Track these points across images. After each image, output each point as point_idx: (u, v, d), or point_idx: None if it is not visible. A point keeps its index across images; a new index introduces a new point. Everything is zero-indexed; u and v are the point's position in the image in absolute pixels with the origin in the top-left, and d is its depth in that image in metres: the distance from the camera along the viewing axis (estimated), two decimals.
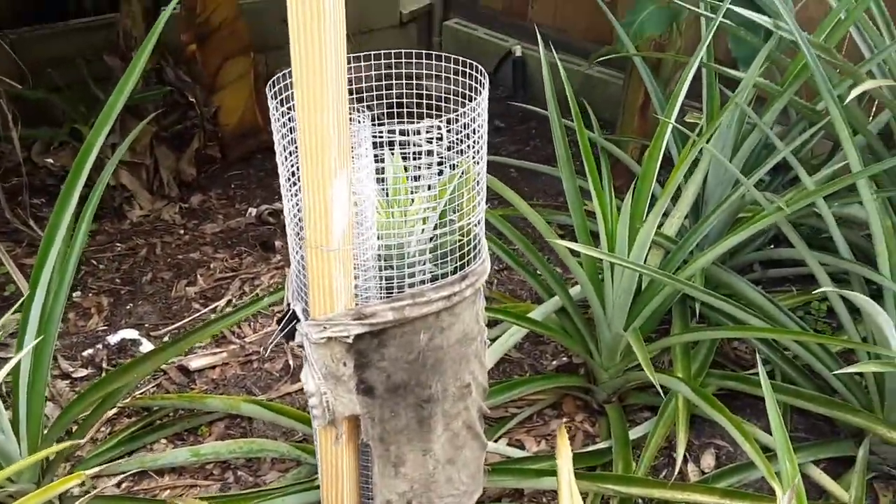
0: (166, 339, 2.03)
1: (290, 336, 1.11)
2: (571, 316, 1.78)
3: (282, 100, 1.01)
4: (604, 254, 1.47)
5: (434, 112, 1.14)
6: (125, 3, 2.53)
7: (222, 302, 2.19)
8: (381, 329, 1.04)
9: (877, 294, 1.58)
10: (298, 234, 1.07)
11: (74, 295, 2.16)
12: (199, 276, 2.30)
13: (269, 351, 1.92)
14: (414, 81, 1.15)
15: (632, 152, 2.61)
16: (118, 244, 2.42)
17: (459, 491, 1.28)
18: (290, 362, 1.97)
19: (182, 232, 2.54)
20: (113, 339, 1.99)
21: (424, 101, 1.16)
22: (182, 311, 2.15)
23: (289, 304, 1.14)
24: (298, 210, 1.04)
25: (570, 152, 1.76)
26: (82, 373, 1.88)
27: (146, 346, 1.98)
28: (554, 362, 1.99)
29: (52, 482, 1.28)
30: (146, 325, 2.07)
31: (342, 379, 1.05)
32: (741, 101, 1.79)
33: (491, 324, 1.70)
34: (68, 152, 2.70)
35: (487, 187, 1.13)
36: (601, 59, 2.37)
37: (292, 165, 1.07)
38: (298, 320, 1.09)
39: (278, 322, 1.13)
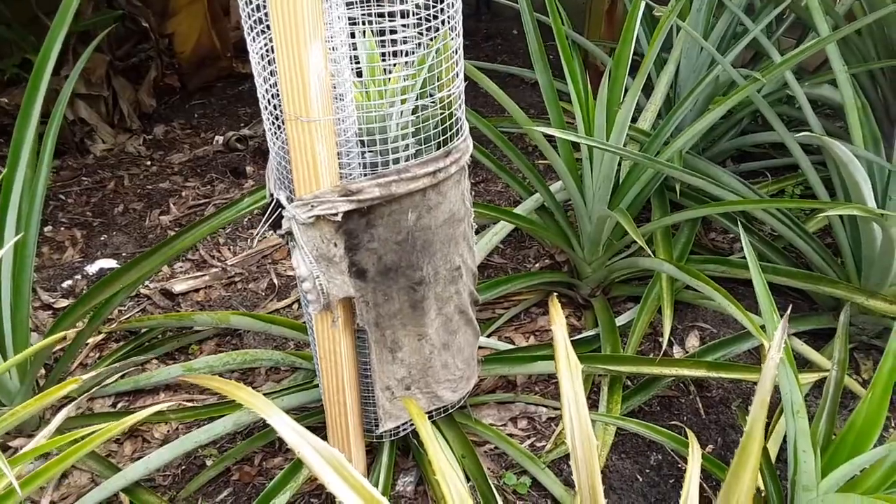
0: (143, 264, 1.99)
1: (277, 225, 1.10)
2: (553, 212, 1.79)
3: None
4: (582, 137, 1.47)
5: None
6: None
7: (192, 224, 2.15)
8: (368, 207, 1.03)
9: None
10: (277, 116, 1.04)
11: (46, 230, 2.11)
12: (171, 204, 2.25)
13: (256, 241, 1.90)
14: None
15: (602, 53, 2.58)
16: (84, 178, 2.36)
17: (455, 376, 1.30)
18: (275, 281, 1.96)
19: (149, 163, 2.47)
20: (91, 268, 1.95)
21: None
22: (158, 238, 2.11)
23: (271, 194, 1.12)
24: (276, 92, 1.01)
25: (543, 47, 1.73)
26: (63, 303, 1.85)
27: None
28: (537, 264, 2.01)
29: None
30: (123, 255, 2.04)
31: (334, 260, 1.04)
32: None
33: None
34: (21, 90, 2.59)
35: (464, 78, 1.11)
36: None
37: (263, 46, 1.03)
38: (283, 208, 1.07)
39: (262, 212, 1.11)
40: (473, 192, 2.33)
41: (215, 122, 2.71)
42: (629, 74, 1.64)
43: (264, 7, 0.99)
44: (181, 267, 2.00)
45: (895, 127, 2.01)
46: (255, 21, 1.00)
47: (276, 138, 1.08)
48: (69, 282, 1.93)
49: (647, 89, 2.02)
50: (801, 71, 2.24)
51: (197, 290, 1.92)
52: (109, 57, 2.54)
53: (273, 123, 1.07)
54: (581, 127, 1.63)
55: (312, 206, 0.98)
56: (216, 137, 2.59)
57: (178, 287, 1.90)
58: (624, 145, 1.66)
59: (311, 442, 0.82)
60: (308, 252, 1.03)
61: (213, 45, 2.86)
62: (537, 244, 2.06)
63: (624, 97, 1.56)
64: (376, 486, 1.26)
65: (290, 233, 1.06)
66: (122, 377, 1.59)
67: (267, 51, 1.02)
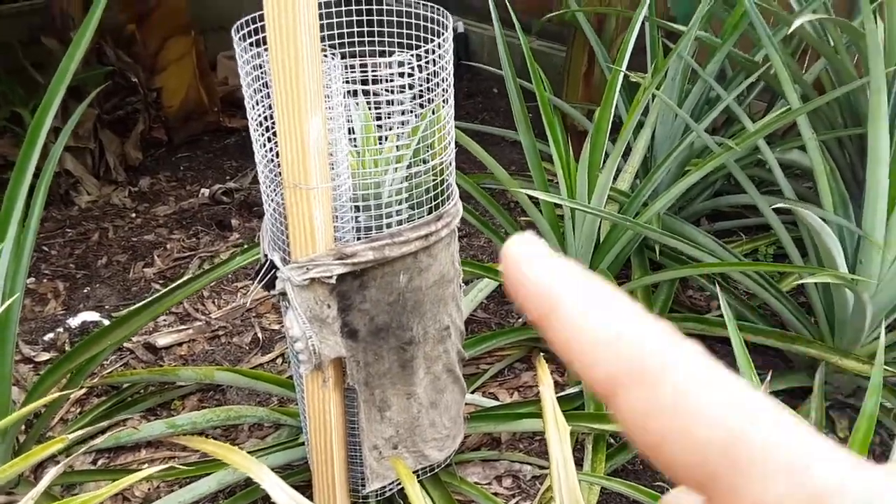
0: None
1: (270, 286, 1.12)
2: None
3: (249, 44, 1.01)
4: (566, 200, 1.52)
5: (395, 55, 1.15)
6: None
7: (182, 281, 2.16)
8: (362, 270, 1.06)
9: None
10: (273, 179, 1.08)
11: (29, 282, 2.10)
12: (156, 257, 2.26)
13: (249, 301, 1.90)
14: (371, 30, 1.16)
15: (580, 115, 2.67)
16: (68, 230, 2.36)
17: (442, 434, 1.31)
18: (259, 335, 1.96)
19: (133, 215, 2.48)
20: (73, 321, 1.94)
21: (387, 49, 1.17)
22: (142, 291, 2.11)
23: (265, 255, 1.15)
24: (275, 155, 1.05)
25: (526, 110, 1.80)
26: (45, 356, 1.83)
27: None
28: (520, 320, 2.03)
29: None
30: (106, 307, 2.03)
31: (327, 321, 1.06)
32: (684, 51, 1.86)
33: None
34: (6, 140, 2.61)
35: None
36: (547, 19, 2.42)
37: (261, 113, 1.07)
38: (277, 269, 1.09)
39: (255, 275, 1.13)
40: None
41: (201, 174, 2.74)
42: (608, 137, 1.71)
43: (264, 76, 1.03)
44: (165, 320, 1.99)
45: (863, 189, 2.09)
46: (254, 90, 1.04)
47: (271, 200, 1.11)
48: (51, 335, 1.91)
49: (625, 151, 2.09)
50: (771, 135, 2.33)
51: (180, 344, 1.92)
52: (98, 111, 2.57)
53: (268, 186, 1.11)
54: (563, 188, 1.68)
55: (308, 268, 1.01)
56: (202, 190, 2.61)
57: (162, 341, 1.90)
58: (604, 206, 1.71)
59: None
60: (301, 313, 1.05)
61: (200, 100, 2.91)
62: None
63: (604, 163, 1.62)
64: None
65: (283, 293, 1.08)
66: (102, 432, 1.58)
67: (265, 118, 1.06)
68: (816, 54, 2.02)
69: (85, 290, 2.10)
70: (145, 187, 2.63)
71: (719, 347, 1.90)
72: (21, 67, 2.60)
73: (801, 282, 1.32)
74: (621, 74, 1.56)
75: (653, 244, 1.89)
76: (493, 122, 3.26)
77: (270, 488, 0.83)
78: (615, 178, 2.01)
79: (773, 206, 1.72)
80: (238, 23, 1.02)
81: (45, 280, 2.12)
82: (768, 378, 1.46)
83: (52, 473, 0.97)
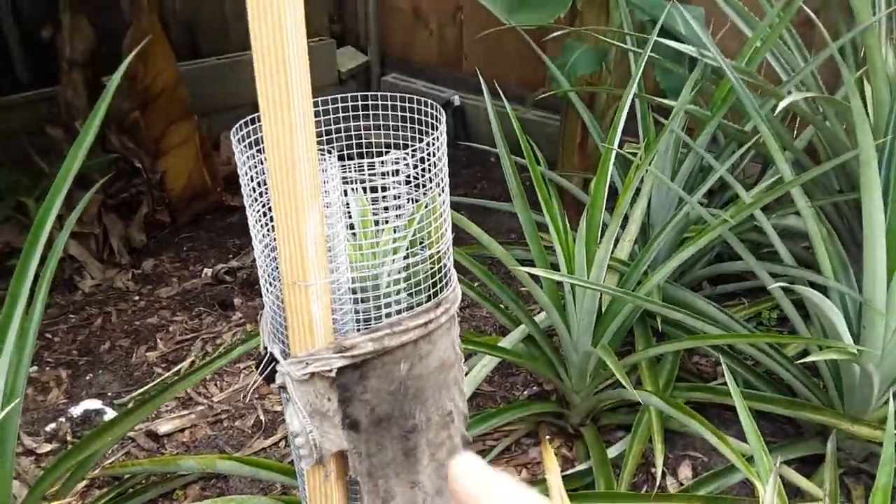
0: (130, 405, 1.98)
1: (270, 379, 1.12)
2: (539, 342, 1.82)
3: (248, 144, 1.04)
4: (565, 276, 1.53)
5: (391, 149, 1.18)
6: (65, 75, 2.54)
7: (185, 364, 2.16)
8: (362, 361, 1.05)
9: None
10: (272, 275, 1.09)
11: (31, 370, 2.09)
12: (158, 340, 2.26)
13: (248, 397, 1.89)
14: (367, 123, 1.19)
15: (576, 185, 2.71)
16: (71, 315, 2.36)
17: None
18: (262, 418, 1.94)
19: (137, 298, 2.49)
20: (75, 410, 1.93)
21: (382, 141, 1.20)
22: (144, 376, 2.10)
23: (265, 348, 1.15)
24: (271, 250, 1.06)
25: (522, 185, 1.83)
26: (46, 448, 1.81)
27: (110, 415, 1.92)
28: (525, 392, 2.02)
29: None
30: (109, 394, 2.02)
31: (327, 415, 1.05)
32: (675, 126, 1.90)
33: None
34: (9, 227, 2.64)
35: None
36: (540, 97, 2.48)
37: (259, 210, 1.09)
38: (277, 361, 1.09)
39: (256, 367, 1.13)
40: (459, 317, 2.37)
41: (204, 254, 2.77)
42: (605, 206, 1.73)
43: (262, 175, 1.05)
44: (167, 406, 1.98)
45: (862, 251, 2.10)
46: (251, 189, 1.06)
47: (269, 293, 1.12)
48: (53, 425, 1.90)
49: (623, 220, 2.11)
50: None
51: (182, 430, 1.90)
52: (102, 196, 2.62)
53: (267, 280, 1.12)
54: (562, 262, 1.69)
55: (307, 363, 1.01)
56: (205, 270, 2.63)
57: (163, 428, 1.88)
58: (604, 277, 1.72)
59: None
60: (301, 407, 1.04)
61: (203, 181, 2.96)
62: (525, 371, 2.08)
63: (602, 237, 1.64)
64: None
65: (283, 387, 1.08)
66: None
67: (263, 213, 1.08)
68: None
69: (87, 377, 2.09)
70: (149, 269, 2.65)
71: (729, 415, 1.88)
72: (27, 156, 2.66)
73: (808, 359, 1.31)
74: (613, 154, 1.59)
75: (655, 315, 1.89)
76: (492, 190, 3.30)
77: None
78: (615, 248, 2.02)
79: (772, 274, 1.73)
80: (237, 125, 1.05)
81: (47, 368, 2.12)
82: (777, 465, 1.44)
83: None
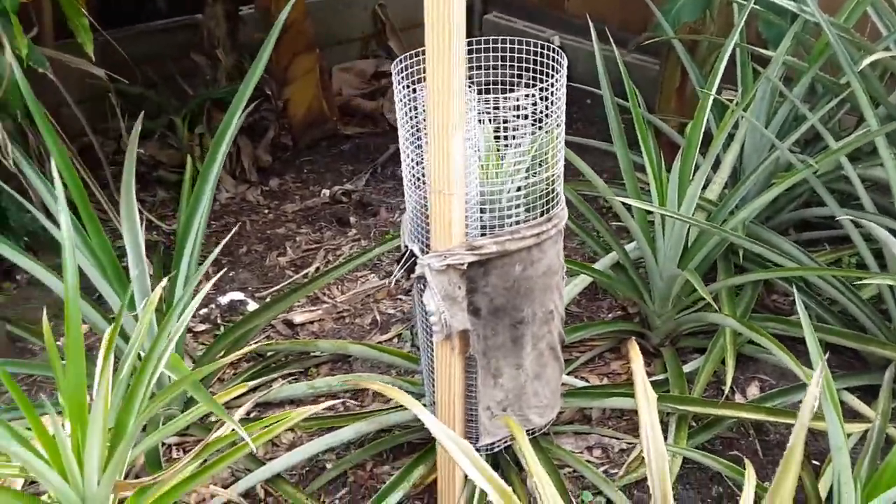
0: (268, 299, 2.31)
1: (410, 270, 1.38)
2: (627, 269, 2.03)
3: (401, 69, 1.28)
4: (657, 208, 1.72)
5: (516, 87, 1.39)
6: (209, 7, 2.83)
7: (311, 269, 2.48)
8: (486, 259, 1.30)
9: None
10: (415, 182, 1.34)
11: None
12: (287, 247, 2.59)
13: (393, 283, 2.18)
14: (493, 64, 1.40)
15: (672, 129, 2.83)
16: (213, 222, 2.72)
17: (543, 404, 1.54)
18: (378, 318, 2.24)
19: (266, 211, 2.83)
20: (223, 300, 2.28)
21: (509, 79, 1.41)
22: (277, 277, 2.44)
23: (405, 246, 1.41)
24: (417, 162, 1.31)
25: (621, 123, 2.00)
26: (202, 328, 2.18)
27: (252, 306, 2.27)
28: (610, 315, 2.23)
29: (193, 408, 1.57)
30: (249, 289, 2.37)
31: (457, 300, 1.31)
32: (772, 75, 2.01)
33: None
34: (153, 143, 3.00)
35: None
36: (642, 43, 2.60)
37: (409, 130, 1.33)
38: (416, 257, 1.35)
39: (397, 262, 1.40)
40: None
41: (321, 176, 3.07)
42: (699, 151, 1.89)
43: (414, 101, 1.29)
44: (298, 302, 2.30)
45: None
46: (406, 110, 1.30)
47: (411, 198, 1.37)
48: (205, 310, 2.26)
49: (715, 164, 2.25)
50: (858, 153, 2.43)
51: (312, 322, 2.23)
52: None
53: (410, 187, 1.37)
54: (655, 196, 1.88)
55: (445, 257, 1.26)
56: (323, 191, 2.93)
57: (298, 318, 2.21)
58: (693, 214, 1.89)
59: (451, 436, 1.08)
60: (437, 292, 1.30)
61: (321, 110, 3.24)
62: (610, 298, 2.29)
63: (694, 174, 1.81)
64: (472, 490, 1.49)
65: (421, 277, 1.34)
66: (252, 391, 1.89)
67: (412, 133, 1.32)
68: None
69: (230, 274, 2.44)
70: (275, 187, 2.98)
71: (800, 348, 2.04)
72: (171, 76, 2.99)
73: (866, 282, 1.46)
74: (711, 99, 1.74)
75: (738, 250, 2.05)
76: (587, 131, 3.45)
77: (424, 417, 1.08)
78: (705, 189, 2.18)
79: (853, 222, 1.86)
80: (397, 59, 1.29)
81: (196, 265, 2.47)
82: (824, 357, 1.60)
83: (248, 404, 1.26)
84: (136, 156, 3.06)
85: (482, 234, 1.32)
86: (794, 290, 1.54)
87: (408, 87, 1.28)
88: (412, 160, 1.34)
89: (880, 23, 2.00)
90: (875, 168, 2.05)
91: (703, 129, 1.85)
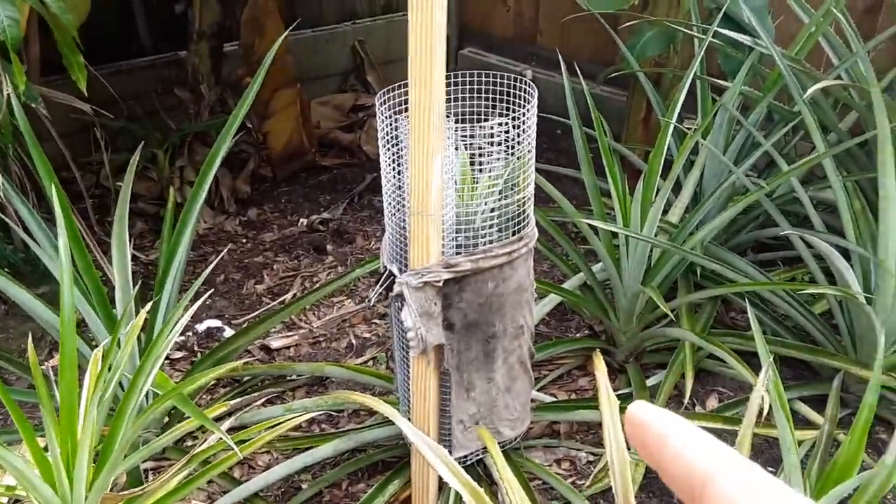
0: (245, 325, 2.37)
1: (389, 289, 1.46)
2: (594, 289, 2.13)
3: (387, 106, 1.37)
4: (621, 229, 1.82)
5: (489, 117, 1.49)
6: (193, 44, 2.91)
7: (288, 296, 2.54)
8: (461, 276, 1.38)
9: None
10: (395, 206, 1.42)
11: None
12: (265, 275, 2.65)
13: (372, 302, 2.25)
14: (468, 95, 1.50)
15: (637, 157, 2.97)
16: (190, 252, 2.77)
17: (514, 417, 1.62)
18: (353, 342, 2.30)
19: (244, 241, 2.89)
20: (200, 327, 2.33)
21: (483, 109, 1.51)
22: (254, 304, 2.49)
23: (384, 266, 1.49)
24: (398, 187, 1.39)
25: (589, 153, 2.11)
26: (178, 355, 2.22)
27: (229, 332, 2.32)
28: (578, 333, 2.32)
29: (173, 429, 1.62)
30: (226, 316, 2.41)
31: (433, 315, 1.39)
32: (729, 104, 2.15)
33: None
34: (137, 178, 3.05)
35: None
36: (610, 76, 2.74)
37: (390, 157, 1.42)
38: (394, 277, 1.43)
39: (376, 281, 1.47)
40: None
41: (299, 206, 3.14)
42: (661, 176, 2.00)
43: (395, 131, 1.38)
44: (275, 328, 2.36)
45: None
46: (387, 139, 1.39)
47: (391, 222, 1.45)
48: (181, 337, 2.30)
49: (677, 188, 2.37)
50: (811, 176, 2.58)
51: (289, 347, 2.28)
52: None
53: (390, 211, 1.45)
54: (619, 219, 1.98)
55: (422, 275, 1.34)
56: (301, 220, 3.00)
57: (275, 344, 2.26)
58: (655, 235, 2.00)
59: (427, 441, 1.14)
60: (415, 309, 1.38)
61: (301, 142, 3.32)
62: (578, 317, 2.38)
63: (656, 196, 1.92)
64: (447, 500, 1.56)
65: (399, 295, 1.42)
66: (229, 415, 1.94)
67: (393, 159, 1.41)
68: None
69: (207, 302, 2.49)
70: (253, 217, 3.04)
71: (756, 362, 2.15)
72: (154, 111, 3.06)
73: (810, 291, 1.57)
74: (671, 128, 1.87)
75: (696, 268, 2.17)
76: (557, 160, 3.57)
77: (403, 426, 1.15)
78: (667, 212, 2.30)
79: (803, 240, 1.98)
80: (380, 91, 1.38)
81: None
82: (769, 362, 1.71)
83: (228, 422, 1.31)
84: (114, 188, 3.12)
85: (457, 253, 1.41)
86: (748, 305, 1.65)
87: (389, 117, 1.37)
88: (393, 185, 1.42)
89: (832, 53, 2.15)
90: (826, 190, 2.19)
91: (664, 156, 1.97)
